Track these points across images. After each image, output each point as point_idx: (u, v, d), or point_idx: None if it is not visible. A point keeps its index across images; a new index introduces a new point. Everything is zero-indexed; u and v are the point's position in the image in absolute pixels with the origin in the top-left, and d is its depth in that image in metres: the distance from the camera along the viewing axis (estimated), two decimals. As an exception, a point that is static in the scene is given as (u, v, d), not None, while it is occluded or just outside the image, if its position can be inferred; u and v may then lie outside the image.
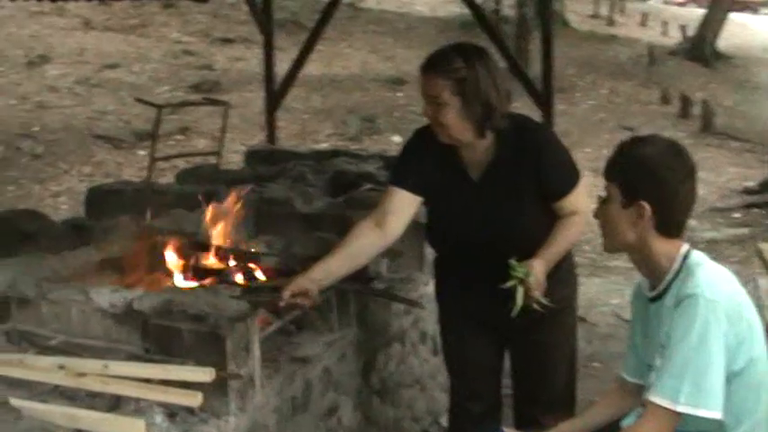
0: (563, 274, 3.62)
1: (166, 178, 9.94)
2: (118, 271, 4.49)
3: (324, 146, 13.38)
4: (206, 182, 6.21)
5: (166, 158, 6.19)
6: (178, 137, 13.65)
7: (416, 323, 5.06)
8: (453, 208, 3.63)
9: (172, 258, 4.42)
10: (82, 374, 3.22)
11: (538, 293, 3.38)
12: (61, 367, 3.29)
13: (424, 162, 3.62)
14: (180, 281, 4.33)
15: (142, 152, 12.96)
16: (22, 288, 3.81)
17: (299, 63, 8.34)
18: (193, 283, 4.27)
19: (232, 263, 4.37)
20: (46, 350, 3.56)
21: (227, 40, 19.48)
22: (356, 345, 4.33)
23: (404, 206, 3.62)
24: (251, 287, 4.11)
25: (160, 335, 3.42)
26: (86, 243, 4.70)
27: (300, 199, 5.60)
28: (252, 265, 4.34)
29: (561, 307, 3.64)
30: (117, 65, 16.77)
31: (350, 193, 5.90)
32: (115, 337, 3.58)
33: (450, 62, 3.38)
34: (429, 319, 5.05)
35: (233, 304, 3.43)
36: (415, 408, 5.09)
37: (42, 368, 3.30)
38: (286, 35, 16.32)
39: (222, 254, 4.41)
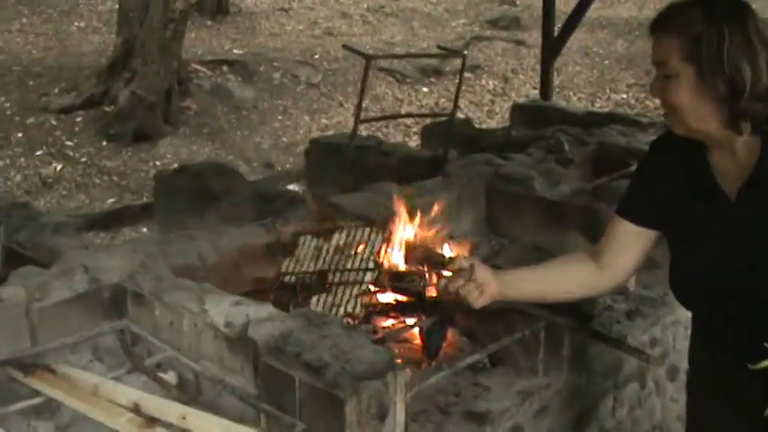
0: None
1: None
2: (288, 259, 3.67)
3: (621, 97, 12.09)
4: (438, 143, 5.28)
5: (373, 120, 5.26)
6: (467, 74, 12.72)
7: (665, 356, 3.92)
8: (698, 240, 2.47)
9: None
10: (151, 423, 2.39)
11: None
12: (135, 407, 2.47)
13: (660, 181, 2.52)
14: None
15: (425, 89, 12.25)
16: (139, 280, 3.03)
17: (584, 3, 7.15)
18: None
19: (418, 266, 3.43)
20: (139, 370, 2.77)
21: (535, -27, 18.31)
22: (566, 394, 3.27)
23: (629, 242, 2.55)
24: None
25: (270, 378, 2.52)
26: (269, 213, 3.92)
27: (543, 179, 4.53)
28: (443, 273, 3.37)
29: None
30: (415, -6, 16.08)
31: (610, 176, 4.78)
32: (228, 365, 2.73)
33: (683, 15, 2.30)
34: (682, 349, 3.91)
35: (368, 352, 2.46)
36: (652, 460, 3.97)
37: (113, 403, 2.50)
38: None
39: (411, 254, 3.46)
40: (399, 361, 3.18)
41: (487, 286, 2.54)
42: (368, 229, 3.50)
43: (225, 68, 11.30)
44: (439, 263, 3.32)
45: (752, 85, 2.24)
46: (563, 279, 2.62)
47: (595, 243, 4.29)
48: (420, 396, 2.92)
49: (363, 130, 9.25)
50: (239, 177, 4.54)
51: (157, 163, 9.12)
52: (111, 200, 8.27)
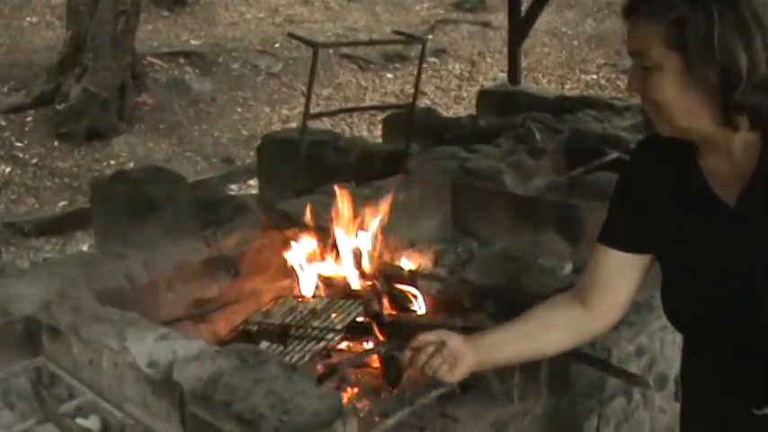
0: None
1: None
2: (231, 274, 3.30)
3: (592, 78, 11.77)
4: (400, 137, 4.91)
5: (319, 116, 4.88)
6: (432, 59, 12.41)
7: (652, 365, 3.59)
8: (693, 254, 2.08)
9: (298, 267, 3.18)
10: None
11: None
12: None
13: (646, 195, 2.13)
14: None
15: (390, 75, 11.89)
16: (55, 312, 2.65)
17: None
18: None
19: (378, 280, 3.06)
20: (51, 420, 2.39)
21: (500, -47, 17.92)
22: (545, 420, 2.92)
23: (619, 274, 2.15)
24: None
25: (198, 430, 2.15)
26: (213, 223, 3.56)
27: (513, 173, 4.18)
28: (403, 288, 3.01)
29: None
30: (377, -23, 15.64)
31: (586, 166, 4.43)
32: (154, 410, 2.35)
33: None
34: (670, 355, 3.58)
35: (310, 398, 2.09)
36: (641, 477, 3.63)
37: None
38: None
39: (364, 267, 3.10)
40: (356, 390, 2.84)
41: (462, 358, 2.15)
42: (349, 300, 3.09)
43: (182, 60, 10.85)
44: (401, 275, 2.97)
45: (748, 72, 1.86)
46: (547, 332, 2.23)
47: (572, 242, 3.99)
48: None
49: (326, 122, 8.85)
50: (181, 182, 4.15)
51: (112, 162, 8.71)
52: (63, 203, 7.85)
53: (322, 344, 2.80)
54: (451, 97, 11.31)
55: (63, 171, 8.44)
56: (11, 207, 7.76)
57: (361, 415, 2.72)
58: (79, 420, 2.56)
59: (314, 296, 3.15)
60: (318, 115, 4.67)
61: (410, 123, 4.38)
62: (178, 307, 3.14)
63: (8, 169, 8.39)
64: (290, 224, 3.33)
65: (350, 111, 8.17)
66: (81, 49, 9.48)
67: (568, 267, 3.80)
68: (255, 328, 2.97)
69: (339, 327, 2.89)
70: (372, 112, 9.44)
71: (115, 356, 2.43)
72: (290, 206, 3.57)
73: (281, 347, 2.80)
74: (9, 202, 7.83)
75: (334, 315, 2.95)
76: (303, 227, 3.25)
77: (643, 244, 2.12)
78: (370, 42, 11.29)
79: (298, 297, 3.16)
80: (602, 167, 4.26)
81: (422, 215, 4.11)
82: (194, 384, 2.18)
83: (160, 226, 3.89)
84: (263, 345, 2.81)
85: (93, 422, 2.56)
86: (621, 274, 2.15)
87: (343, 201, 3.29)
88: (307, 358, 2.72)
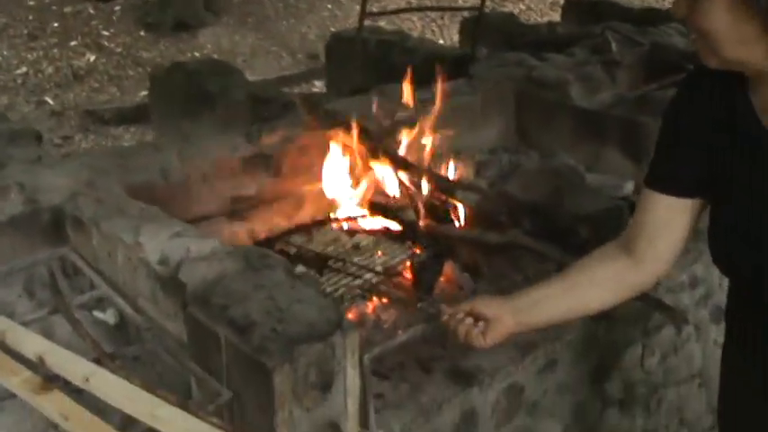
0: None
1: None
2: (271, 173, 3.24)
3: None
4: (469, 39, 4.74)
5: (377, 15, 4.70)
6: (530, -37, 12.03)
7: (708, 297, 3.43)
8: (743, 194, 1.92)
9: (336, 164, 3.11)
10: (49, 384, 1.99)
11: None
12: (41, 361, 2.06)
13: (693, 133, 1.94)
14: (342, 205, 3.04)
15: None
16: (80, 203, 2.62)
17: None
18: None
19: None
20: (60, 310, 2.36)
21: None
22: (579, 345, 2.80)
23: (668, 220, 2.01)
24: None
25: (197, 333, 2.10)
26: (263, 119, 3.50)
27: (580, 85, 4.00)
28: (444, 198, 2.91)
29: None
30: None
31: (661, 82, 4.22)
32: (163, 308, 2.32)
33: None
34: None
35: (310, 308, 2.01)
36: (686, 410, 3.50)
37: (18, 355, 2.11)
38: None
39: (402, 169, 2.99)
40: (384, 300, 2.76)
41: (496, 322, 2.07)
42: (396, 243, 3.01)
43: (274, -47, 10.73)
44: (440, 182, 2.85)
45: None
46: (591, 287, 2.10)
47: (635, 160, 3.80)
48: (399, 347, 2.48)
49: (417, 24, 8.58)
50: (237, 76, 4.07)
51: (196, 54, 8.70)
52: (144, 93, 7.88)
53: (357, 281, 2.73)
54: (547, 4, 10.96)
55: (147, 61, 8.46)
56: (92, 95, 7.82)
57: (385, 326, 2.66)
58: (96, 313, 2.55)
59: (359, 229, 3.07)
60: (376, 14, 4.50)
61: (477, 27, 4.21)
62: (213, 204, 3.09)
63: (93, 57, 8.44)
64: (334, 124, 3.23)
65: (415, 10, 7.92)
66: (170, -62, 9.43)
67: (629, 186, 3.63)
68: (293, 251, 2.91)
69: (379, 268, 2.81)
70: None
71: (129, 251, 2.38)
72: (338, 106, 3.46)
73: (317, 276, 2.74)
74: (91, 90, 7.89)
75: (376, 256, 2.88)
76: (346, 127, 3.14)
77: (693, 186, 1.95)
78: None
79: (339, 221, 3.09)
80: (677, 84, 4.04)
81: (483, 123, 3.98)
82: (197, 285, 2.12)
83: (212, 120, 3.84)
84: (299, 269, 2.75)
85: (109, 316, 2.55)
86: (671, 221, 1.99)
87: (388, 103, 3.19)
88: (340, 293, 2.66)
